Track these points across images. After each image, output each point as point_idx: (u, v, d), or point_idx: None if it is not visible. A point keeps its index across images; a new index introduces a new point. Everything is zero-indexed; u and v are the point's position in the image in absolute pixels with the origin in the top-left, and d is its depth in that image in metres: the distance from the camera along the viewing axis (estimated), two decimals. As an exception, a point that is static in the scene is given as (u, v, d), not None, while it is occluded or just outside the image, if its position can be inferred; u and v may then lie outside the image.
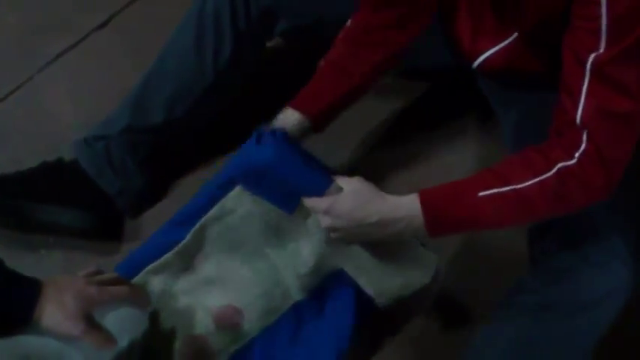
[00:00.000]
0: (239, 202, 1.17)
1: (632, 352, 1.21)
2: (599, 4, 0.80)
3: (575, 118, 0.87)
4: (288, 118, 1.09)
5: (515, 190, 0.89)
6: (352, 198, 0.95)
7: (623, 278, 0.94)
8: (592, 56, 0.83)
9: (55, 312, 0.89)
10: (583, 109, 0.86)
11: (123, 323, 1.01)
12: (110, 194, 1.27)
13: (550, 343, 0.97)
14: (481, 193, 0.90)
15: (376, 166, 1.39)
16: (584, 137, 0.87)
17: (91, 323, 0.93)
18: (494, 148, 1.37)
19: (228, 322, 1.18)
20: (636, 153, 0.90)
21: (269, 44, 1.34)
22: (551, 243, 1.02)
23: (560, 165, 0.89)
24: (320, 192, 1.01)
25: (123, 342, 1.00)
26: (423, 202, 0.91)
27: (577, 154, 0.88)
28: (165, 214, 1.31)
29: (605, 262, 0.94)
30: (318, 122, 1.11)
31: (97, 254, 1.29)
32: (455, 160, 1.40)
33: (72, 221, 1.24)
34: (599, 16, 0.80)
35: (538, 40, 1.00)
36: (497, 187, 0.90)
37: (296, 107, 1.09)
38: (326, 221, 0.98)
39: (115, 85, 1.40)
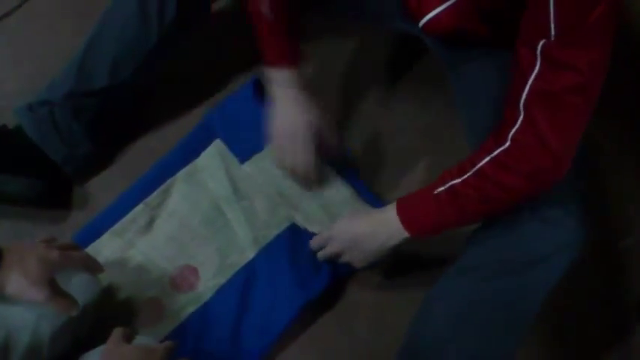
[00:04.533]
0: (210, 160, 1.30)
1: (582, 304, 1.26)
2: None
3: (520, 98, 0.88)
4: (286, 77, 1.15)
5: (454, 184, 0.97)
6: (346, 221, 1.14)
7: (573, 234, 0.96)
8: (541, 42, 0.83)
9: (19, 278, 0.89)
10: (529, 90, 0.87)
11: (78, 289, 1.01)
12: (56, 160, 1.25)
13: (500, 299, 0.98)
14: (434, 192, 1.00)
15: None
16: (521, 116, 0.89)
17: (55, 288, 0.93)
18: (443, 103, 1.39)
19: (184, 282, 1.20)
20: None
21: (215, 5, 1.32)
22: None
23: (494, 154, 0.92)
24: None
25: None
26: (398, 213, 1.04)
27: (510, 134, 0.90)
28: (114, 180, 1.32)
29: (555, 217, 0.96)
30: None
31: (45, 222, 1.28)
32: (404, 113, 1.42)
33: (18, 189, 1.22)
34: (548, 4, 0.80)
35: (483, 2, 1.00)
36: (443, 185, 0.99)
37: (283, 66, 1.14)
38: (332, 248, 1.15)
39: (57, 49, 1.36)
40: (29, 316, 0.95)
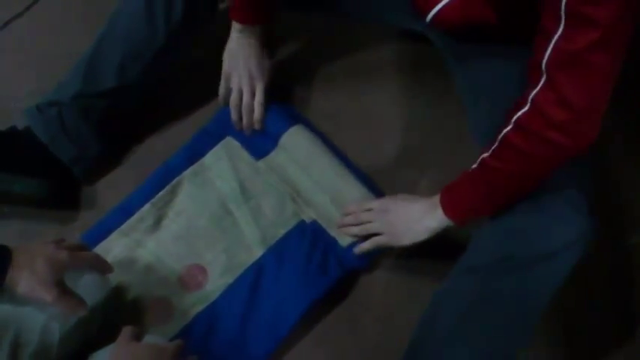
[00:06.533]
0: (217, 159, 1.31)
1: (588, 303, 1.25)
2: None
3: (542, 60, 0.86)
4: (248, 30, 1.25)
5: (483, 158, 0.97)
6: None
7: (581, 230, 0.95)
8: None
9: (28, 279, 0.89)
10: (551, 51, 0.85)
11: (87, 289, 1.01)
12: (65, 161, 1.25)
13: (508, 295, 0.98)
14: (469, 170, 1.01)
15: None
16: (544, 77, 0.87)
17: (64, 289, 0.93)
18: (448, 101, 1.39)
19: (192, 281, 1.20)
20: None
21: (222, 5, 1.32)
22: None
23: (514, 118, 0.92)
24: (281, 129, 1.29)
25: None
26: (441, 195, 1.06)
27: (531, 96, 0.89)
28: (122, 180, 1.33)
29: (562, 214, 0.96)
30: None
31: (54, 223, 1.28)
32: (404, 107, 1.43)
33: (27, 189, 1.22)
34: None
35: None
36: (476, 162, 1.00)
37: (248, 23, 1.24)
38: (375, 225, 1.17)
39: (65, 51, 1.36)
40: (39, 316, 0.95)
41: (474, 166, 0.99)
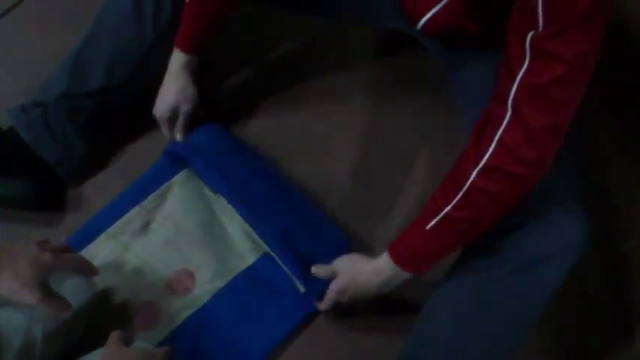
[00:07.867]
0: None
1: (584, 307, 1.25)
2: None
3: (508, 95, 0.86)
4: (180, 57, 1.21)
5: (446, 213, 0.94)
6: (345, 280, 1.08)
7: (576, 235, 0.95)
8: (530, 34, 0.81)
9: (11, 281, 0.88)
10: (518, 85, 0.85)
11: (71, 291, 1.00)
12: (50, 162, 1.23)
13: (503, 300, 0.98)
14: (427, 227, 0.96)
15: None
16: (509, 113, 0.86)
17: (47, 291, 0.92)
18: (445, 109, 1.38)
19: (180, 286, 1.19)
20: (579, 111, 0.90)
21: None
22: None
23: (482, 163, 0.89)
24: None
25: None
26: (394, 260, 1.01)
27: (497, 135, 0.87)
28: (108, 182, 1.31)
29: (557, 218, 0.95)
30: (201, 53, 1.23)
31: (39, 225, 1.26)
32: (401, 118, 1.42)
33: (11, 191, 1.21)
34: None
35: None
36: (434, 217, 0.95)
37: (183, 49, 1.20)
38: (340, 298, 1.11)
39: (50, 51, 1.35)
40: (21, 318, 0.94)
41: (433, 222, 0.95)
